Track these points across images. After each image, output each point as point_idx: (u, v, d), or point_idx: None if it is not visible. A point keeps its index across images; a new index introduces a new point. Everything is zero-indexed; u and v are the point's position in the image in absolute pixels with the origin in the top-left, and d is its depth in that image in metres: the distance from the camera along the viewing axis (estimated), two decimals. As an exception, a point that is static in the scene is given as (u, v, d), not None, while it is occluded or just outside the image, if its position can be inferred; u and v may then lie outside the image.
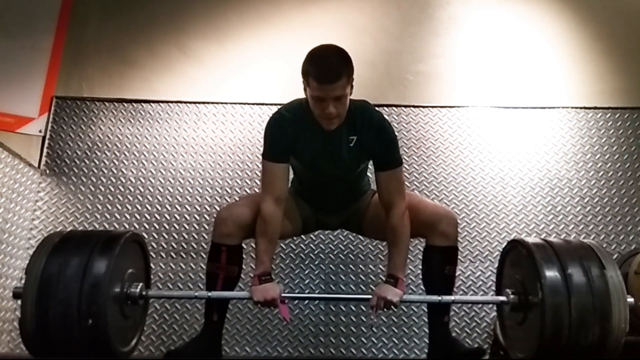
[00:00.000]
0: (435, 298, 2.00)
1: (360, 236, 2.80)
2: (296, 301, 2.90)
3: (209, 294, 2.00)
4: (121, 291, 1.85)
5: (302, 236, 2.88)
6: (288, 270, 3.00)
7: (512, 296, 1.93)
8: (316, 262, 3.02)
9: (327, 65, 1.87)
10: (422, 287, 2.28)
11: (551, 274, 1.75)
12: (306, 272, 3.01)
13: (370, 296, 2.02)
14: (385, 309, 1.98)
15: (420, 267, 2.20)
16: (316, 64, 1.88)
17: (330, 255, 3.03)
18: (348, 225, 2.34)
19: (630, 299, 1.78)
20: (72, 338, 1.71)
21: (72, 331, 1.69)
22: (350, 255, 3.04)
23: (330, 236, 3.04)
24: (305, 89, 1.96)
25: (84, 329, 1.68)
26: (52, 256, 1.76)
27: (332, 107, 1.88)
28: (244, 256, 2.16)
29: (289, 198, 2.16)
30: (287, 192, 2.11)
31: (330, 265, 3.02)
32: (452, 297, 2.03)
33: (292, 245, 3.01)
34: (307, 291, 2.96)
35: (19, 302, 1.76)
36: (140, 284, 1.93)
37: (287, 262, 3.01)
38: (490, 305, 2.89)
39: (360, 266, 3.01)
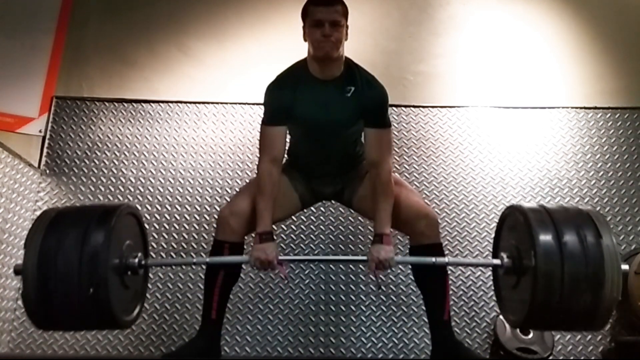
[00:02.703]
0: (429, 260, 2.01)
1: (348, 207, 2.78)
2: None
3: (208, 259, 2.04)
4: (120, 262, 1.86)
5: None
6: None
7: (506, 260, 1.93)
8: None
9: None
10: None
11: (546, 239, 1.75)
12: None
13: (365, 257, 2.04)
14: (383, 271, 2.02)
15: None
16: None
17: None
18: (341, 196, 2.32)
19: (625, 266, 1.79)
20: (74, 308, 1.73)
21: (74, 301, 1.71)
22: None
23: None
24: (304, 33, 2.06)
25: (86, 299, 1.70)
26: (50, 230, 1.77)
27: (329, 29, 1.98)
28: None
29: (284, 177, 2.17)
30: (284, 154, 2.15)
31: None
32: (445, 259, 2.04)
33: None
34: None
35: (21, 278, 1.76)
36: (139, 254, 1.94)
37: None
38: (491, 305, 2.89)
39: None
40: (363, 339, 2.88)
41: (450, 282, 2.91)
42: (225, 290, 2.08)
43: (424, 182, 3.18)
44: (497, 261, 1.98)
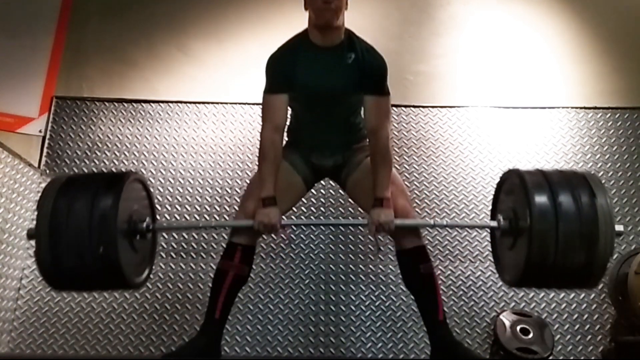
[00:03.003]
0: (428, 222, 2.04)
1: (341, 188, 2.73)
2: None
3: (213, 223, 2.21)
4: (129, 225, 1.92)
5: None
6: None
7: (503, 222, 1.97)
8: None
9: None
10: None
11: (541, 200, 1.79)
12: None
13: (365, 222, 2.08)
14: (383, 234, 2.07)
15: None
16: None
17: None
18: (339, 174, 2.31)
19: (619, 227, 1.83)
20: (86, 268, 1.79)
21: (85, 262, 1.77)
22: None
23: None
24: (305, 3, 2.12)
25: (97, 259, 1.76)
26: (60, 195, 1.83)
27: None
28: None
29: (284, 163, 2.18)
30: (286, 122, 2.16)
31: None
32: (444, 222, 2.07)
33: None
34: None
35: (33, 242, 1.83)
36: (147, 218, 2.01)
37: None
38: (491, 305, 2.90)
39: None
40: (363, 339, 2.88)
41: (449, 281, 2.95)
42: (232, 291, 2.08)
43: (424, 182, 3.18)
44: (494, 223, 2.04)
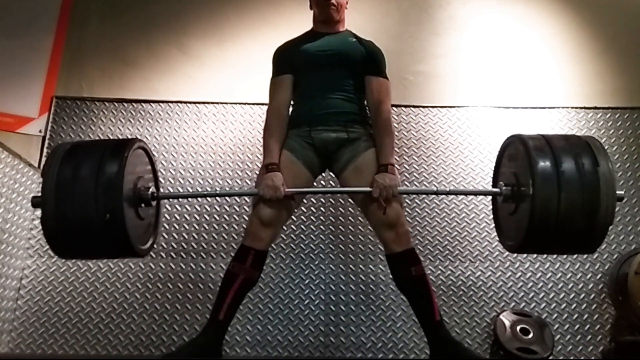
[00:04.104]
0: (432, 189, 2.08)
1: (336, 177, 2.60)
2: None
3: (217, 191, 2.27)
4: (134, 193, 1.92)
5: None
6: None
7: (505, 188, 1.99)
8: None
9: None
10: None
11: (544, 166, 1.80)
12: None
13: (370, 189, 2.09)
14: (388, 196, 2.07)
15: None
16: None
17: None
18: (336, 163, 2.25)
19: (620, 192, 1.85)
20: (92, 235, 1.79)
21: (91, 228, 1.77)
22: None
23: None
24: (310, 3, 2.40)
25: (103, 226, 1.76)
26: (66, 160, 1.83)
27: None
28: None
29: (285, 153, 2.19)
30: (290, 100, 2.29)
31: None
32: (447, 189, 2.09)
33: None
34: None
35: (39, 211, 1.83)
36: (151, 186, 2.03)
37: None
38: (491, 305, 2.90)
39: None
40: (363, 339, 2.88)
41: (449, 281, 2.95)
42: (240, 295, 2.08)
43: (424, 182, 3.18)
44: (496, 189, 2.06)
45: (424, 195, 3.09)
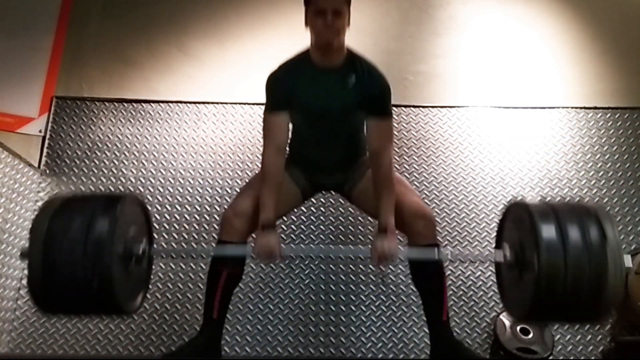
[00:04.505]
0: (433, 256, 2.02)
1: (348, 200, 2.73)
2: (296, 295, 2.90)
3: (211, 250, 2.02)
4: (125, 250, 1.87)
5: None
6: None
7: (509, 255, 1.94)
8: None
9: None
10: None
11: (548, 232, 1.75)
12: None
13: (368, 254, 2.04)
14: (386, 264, 2.01)
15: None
16: None
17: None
18: (342, 188, 2.30)
19: (628, 261, 1.83)
20: (79, 294, 1.74)
21: (78, 287, 1.73)
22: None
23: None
24: (306, 19, 2.05)
25: (90, 285, 1.71)
26: (56, 217, 1.78)
27: (332, 18, 1.97)
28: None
29: (284, 173, 2.16)
30: (287, 142, 2.14)
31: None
32: (449, 255, 2.04)
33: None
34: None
35: (26, 263, 1.78)
36: (144, 242, 1.96)
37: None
38: (491, 305, 2.89)
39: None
40: (363, 339, 2.88)
41: (449, 281, 2.95)
42: (227, 291, 2.07)
43: (424, 182, 3.18)
44: (500, 256, 1.99)
45: (424, 195, 3.10)
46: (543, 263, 1.72)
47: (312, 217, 3.09)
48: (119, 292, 1.78)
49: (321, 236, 3.05)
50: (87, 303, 1.77)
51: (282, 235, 2.99)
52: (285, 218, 3.01)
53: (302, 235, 3.05)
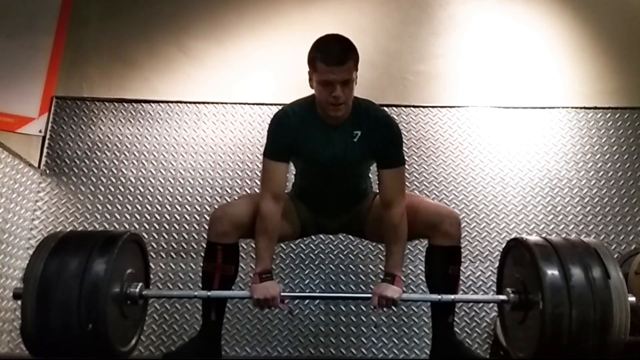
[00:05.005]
0: (435, 297, 2.00)
1: (359, 237, 2.78)
2: (296, 301, 2.90)
3: (209, 293, 1.99)
4: (120, 291, 1.86)
5: (302, 239, 2.89)
6: (288, 270, 3.00)
7: (512, 295, 1.93)
8: (316, 262, 3.02)
9: (334, 49, 1.90)
10: (422, 287, 2.28)
11: (551, 273, 1.74)
12: (306, 272, 3.01)
13: (370, 295, 2.01)
14: (386, 308, 1.99)
15: (422, 267, 2.19)
16: (324, 48, 1.91)
17: (330, 255, 3.03)
18: (349, 228, 2.31)
19: (632, 298, 1.77)
20: (72, 340, 1.72)
21: (72, 334, 1.71)
22: (350, 255, 3.03)
23: (330, 236, 3.03)
24: (310, 80, 1.97)
25: (84, 331, 1.69)
26: (51, 258, 1.76)
27: (340, 91, 1.88)
28: (243, 256, 2.15)
29: (289, 201, 2.15)
30: (285, 191, 2.10)
31: (330, 265, 3.02)
32: (452, 296, 2.02)
33: (292, 245, 3.00)
34: (307, 290, 2.95)
35: (19, 302, 1.77)
36: (140, 284, 1.94)
37: (287, 262, 3.01)
38: (491, 305, 2.89)
39: (360, 266, 3.01)
40: (363, 339, 2.88)
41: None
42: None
43: (424, 182, 3.18)
44: (503, 297, 1.98)
45: (424, 195, 3.09)
46: (547, 307, 1.72)
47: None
48: (113, 339, 1.77)
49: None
50: (80, 350, 1.74)
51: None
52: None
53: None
